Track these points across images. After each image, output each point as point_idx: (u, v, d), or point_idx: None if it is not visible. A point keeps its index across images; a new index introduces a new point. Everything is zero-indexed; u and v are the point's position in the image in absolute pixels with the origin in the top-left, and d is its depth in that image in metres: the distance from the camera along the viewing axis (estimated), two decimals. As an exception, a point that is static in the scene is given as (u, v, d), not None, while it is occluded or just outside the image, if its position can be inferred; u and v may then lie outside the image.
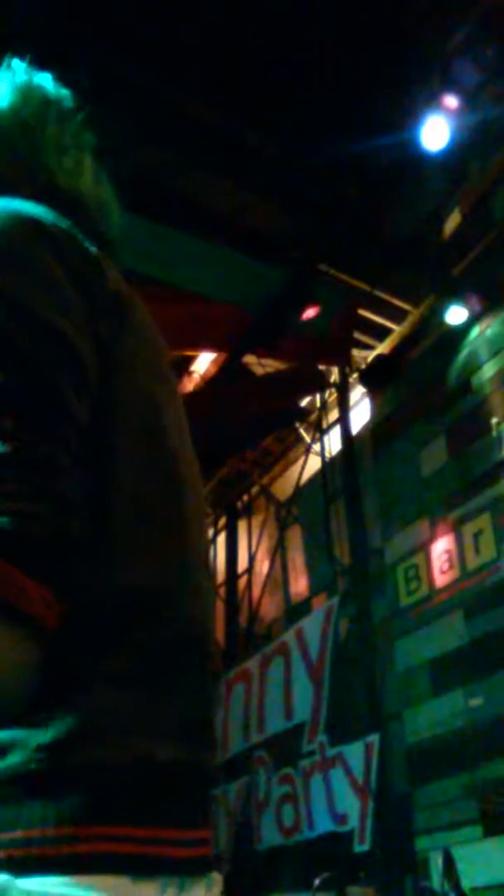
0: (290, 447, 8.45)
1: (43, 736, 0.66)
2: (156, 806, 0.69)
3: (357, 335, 6.50)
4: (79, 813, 0.65)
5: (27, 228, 0.75)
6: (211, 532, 9.61)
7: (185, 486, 0.85)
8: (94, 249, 0.81)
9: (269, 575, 7.97)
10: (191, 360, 7.45)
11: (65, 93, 1.03)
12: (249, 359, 7.00)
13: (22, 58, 1.03)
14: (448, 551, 5.20)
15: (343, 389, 7.06)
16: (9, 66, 1.02)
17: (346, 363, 6.73)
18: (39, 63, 1.05)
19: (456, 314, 5.58)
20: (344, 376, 7.05)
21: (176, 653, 0.75)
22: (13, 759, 0.66)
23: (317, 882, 4.47)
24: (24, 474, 0.64)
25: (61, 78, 1.06)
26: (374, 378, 6.47)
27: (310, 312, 5.74)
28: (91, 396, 0.72)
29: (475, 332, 5.53)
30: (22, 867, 0.63)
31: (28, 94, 0.99)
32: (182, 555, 0.81)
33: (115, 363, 0.77)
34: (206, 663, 0.80)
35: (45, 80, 1.02)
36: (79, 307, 0.74)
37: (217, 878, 0.75)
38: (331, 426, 7.46)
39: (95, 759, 0.66)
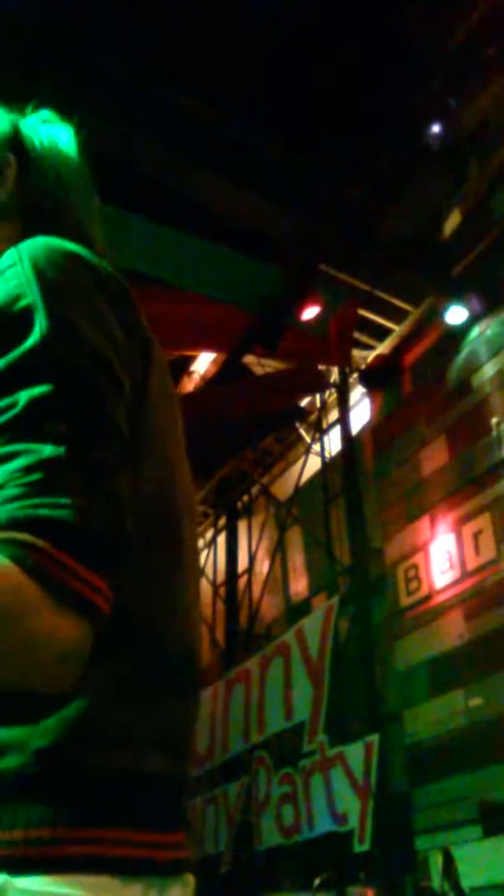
0: (290, 447, 8.45)
1: (41, 740, 0.69)
2: (144, 811, 0.73)
3: (357, 335, 6.50)
4: (74, 815, 0.68)
5: (84, 270, 0.83)
6: (211, 532, 9.62)
7: (185, 514, 0.92)
8: (127, 289, 0.89)
9: (269, 575, 7.97)
10: (191, 360, 7.45)
11: (78, 140, 1.09)
12: (249, 359, 7.00)
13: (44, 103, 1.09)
14: (448, 551, 5.20)
15: (343, 389, 7.06)
16: (37, 111, 1.07)
17: (346, 363, 6.72)
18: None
19: (456, 314, 5.57)
20: (344, 376, 7.05)
21: (166, 670, 0.80)
22: (11, 762, 0.69)
23: (317, 882, 4.47)
24: (81, 473, 0.68)
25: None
26: (374, 378, 6.47)
27: (310, 312, 5.73)
28: (127, 419, 0.78)
29: (475, 332, 5.53)
30: (19, 866, 0.65)
31: (74, 150, 1.07)
32: (177, 577, 0.87)
33: (143, 398, 0.84)
34: (192, 682, 0.85)
35: (70, 132, 1.09)
36: (122, 342, 0.82)
37: (190, 879, 0.79)
38: (331, 426, 7.46)
39: (90, 765, 0.70)
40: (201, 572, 9.39)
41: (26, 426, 0.69)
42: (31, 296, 0.76)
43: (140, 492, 0.81)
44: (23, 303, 0.76)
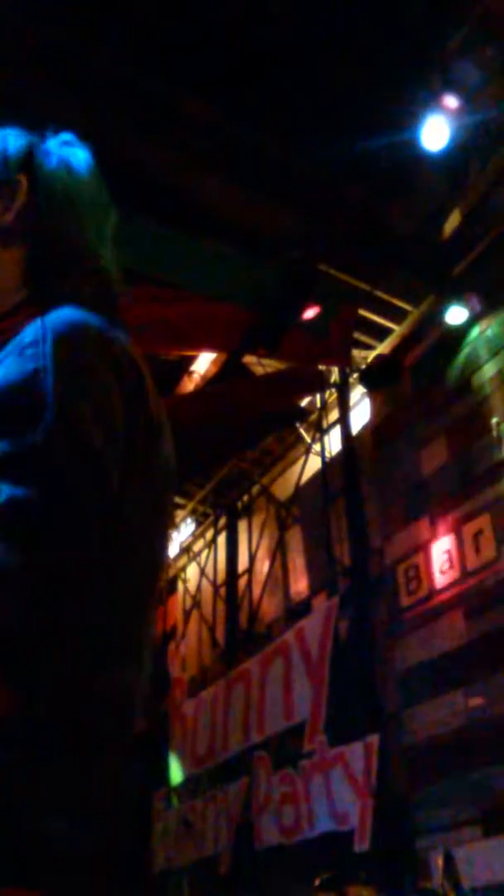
0: (290, 447, 8.45)
1: None
2: (78, 889, 0.69)
3: (357, 335, 6.50)
4: None
5: (107, 356, 0.83)
6: (211, 532, 9.61)
7: (150, 603, 0.91)
8: (143, 371, 0.89)
9: (269, 575, 7.97)
10: (191, 360, 7.44)
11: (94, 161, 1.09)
12: (249, 359, 7.00)
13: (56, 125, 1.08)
14: (448, 551, 5.19)
15: (343, 389, 7.06)
16: (55, 133, 1.07)
17: (346, 363, 6.72)
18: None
19: (456, 314, 5.57)
20: (344, 376, 7.05)
21: (102, 737, 0.77)
22: None
23: (317, 882, 4.47)
24: (29, 580, 0.70)
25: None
26: (374, 378, 6.47)
27: (310, 312, 5.73)
28: (107, 518, 0.78)
29: (475, 332, 5.53)
30: None
31: (89, 172, 1.06)
32: (132, 645, 0.85)
33: (130, 475, 0.83)
34: (126, 745, 0.81)
35: (86, 153, 1.08)
36: (123, 433, 0.82)
37: None
38: (331, 426, 7.46)
39: (8, 838, 0.66)
40: (201, 573, 9.40)
41: None
42: (45, 387, 0.76)
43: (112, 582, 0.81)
44: (36, 392, 0.76)
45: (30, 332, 0.81)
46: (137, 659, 0.86)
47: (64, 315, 0.83)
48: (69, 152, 1.05)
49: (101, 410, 0.80)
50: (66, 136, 1.07)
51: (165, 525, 0.97)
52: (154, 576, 0.92)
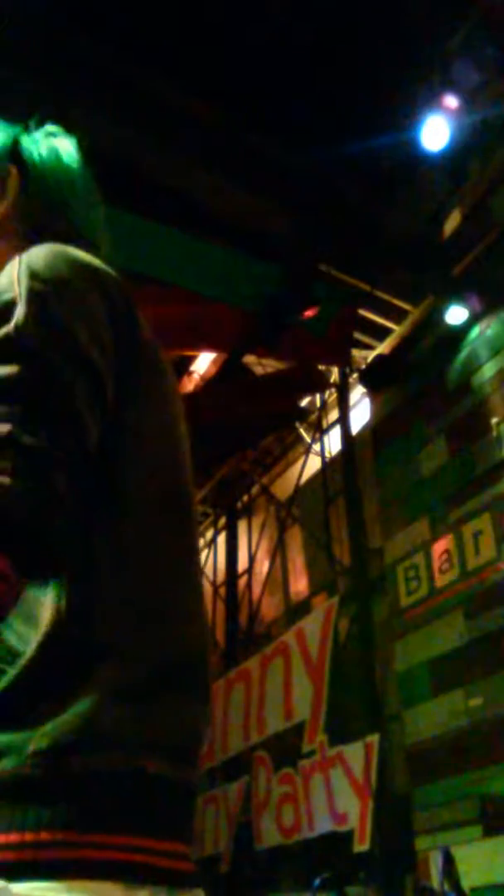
0: (290, 447, 8.45)
1: (39, 742, 0.68)
2: (146, 817, 0.71)
3: (357, 335, 6.49)
4: (74, 819, 0.66)
5: (80, 271, 0.86)
6: (211, 532, 9.62)
7: (190, 516, 0.93)
8: (129, 296, 0.91)
9: (269, 575, 7.97)
10: (191, 360, 7.44)
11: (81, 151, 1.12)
12: (249, 359, 7.00)
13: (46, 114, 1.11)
14: (448, 551, 5.19)
15: (343, 389, 7.06)
16: (38, 125, 1.09)
17: (346, 363, 6.72)
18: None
19: (456, 314, 5.57)
20: (344, 376, 7.05)
21: (176, 672, 0.79)
22: (8, 763, 0.68)
23: (317, 882, 4.47)
24: (17, 454, 0.67)
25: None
26: (374, 378, 6.47)
27: (310, 312, 5.73)
28: (102, 424, 0.79)
29: (475, 332, 5.53)
30: (15, 871, 0.64)
31: (77, 162, 1.10)
32: (185, 581, 0.87)
33: (133, 400, 0.85)
34: (199, 684, 0.83)
35: (73, 143, 1.11)
36: (112, 345, 0.84)
37: (201, 894, 0.76)
38: (331, 426, 7.46)
39: (90, 767, 0.68)
40: (202, 572, 9.38)
41: None
42: (17, 290, 0.79)
43: (134, 489, 0.82)
44: (6, 297, 0.78)
45: (9, 264, 0.83)
46: (176, 579, 0.85)
47: (42, 247, 0.85)
48: (57, 142, 1.07)
49: (78, 306, 0.81)
50: (51, 127, 1.09)
51: (184, 459, 0.94)
52: (183, 519, 0.90)
